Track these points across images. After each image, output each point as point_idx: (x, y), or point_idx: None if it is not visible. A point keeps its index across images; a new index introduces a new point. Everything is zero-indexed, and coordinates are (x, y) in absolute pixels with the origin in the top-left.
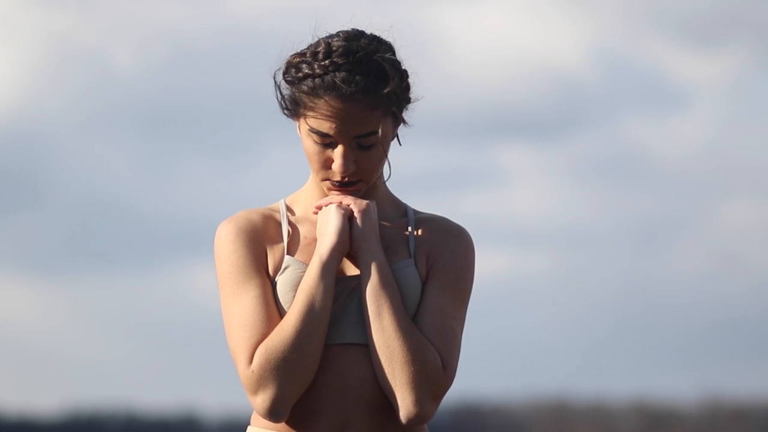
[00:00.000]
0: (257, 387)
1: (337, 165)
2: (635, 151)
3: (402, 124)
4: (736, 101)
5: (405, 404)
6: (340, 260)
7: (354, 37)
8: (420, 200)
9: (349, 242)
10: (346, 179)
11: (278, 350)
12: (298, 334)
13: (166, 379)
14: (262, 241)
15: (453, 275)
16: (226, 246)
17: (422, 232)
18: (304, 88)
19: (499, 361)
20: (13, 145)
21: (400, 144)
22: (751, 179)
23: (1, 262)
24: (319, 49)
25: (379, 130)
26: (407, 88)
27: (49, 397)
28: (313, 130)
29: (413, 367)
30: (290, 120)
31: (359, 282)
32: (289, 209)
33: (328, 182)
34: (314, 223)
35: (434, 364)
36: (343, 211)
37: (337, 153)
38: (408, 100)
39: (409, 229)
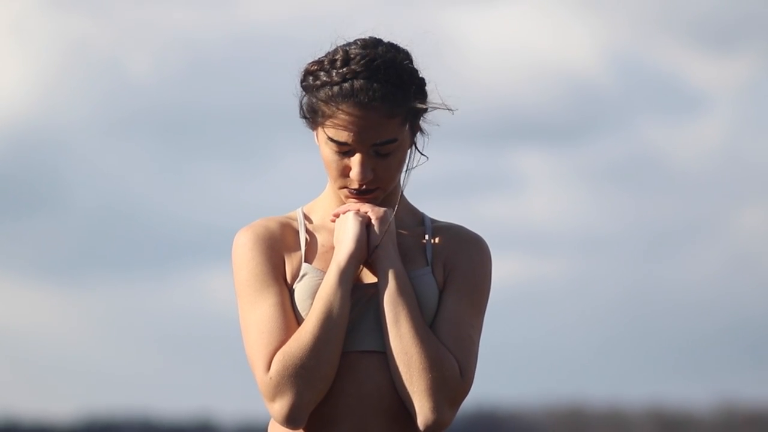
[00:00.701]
0: (275, 394)
1: (354, 173)
2: (649, 155)
3: (420, 133)
4: (751, 104)
5: (423, 411)
6: (358, 268)
7: (371, 45)
8: (435, 206)
9: (366, 250)
10: (364, 187)
11: (296, 357)
12: (316, 342)
13: (182, 385)
14: (280, 249)
15: (470, 283)
16: (244, 254)
17: (439, 240)
18: (322, 96)
19: (515, 366)
20: (29, 151)
21: (425, 156)
22: (764, 183)
23: (18, 269)
24: (336, 57)
25: (398, 138)
26: (425, 96)
27: (64, 403)
28: (331, 140)
29: (431, 374)
30: (307, 128)
31: (377, 290)
32: (306, 217)
33: (345, 190)
34: (332, 231)
35: (452, 371)
36: (360, 219)
37: (355, 161)
38: (425, 109)
39: (426, 237)
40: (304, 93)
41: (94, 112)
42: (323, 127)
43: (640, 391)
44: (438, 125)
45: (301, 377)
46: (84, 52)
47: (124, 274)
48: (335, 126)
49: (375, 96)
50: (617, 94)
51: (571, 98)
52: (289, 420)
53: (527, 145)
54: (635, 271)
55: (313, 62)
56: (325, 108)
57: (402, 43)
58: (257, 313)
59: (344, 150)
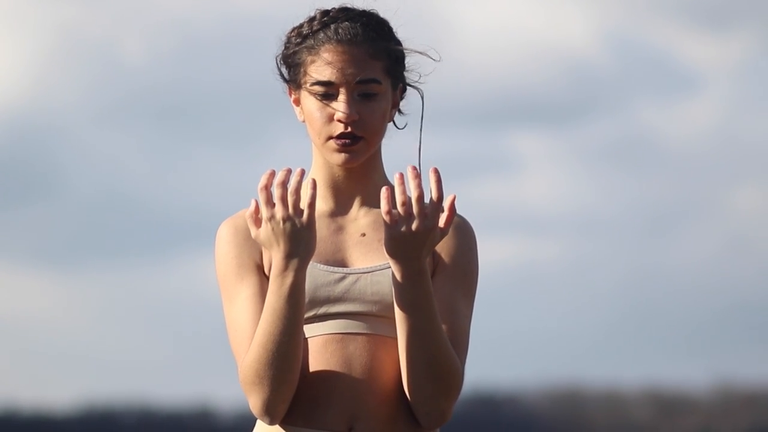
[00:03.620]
0: (246, 393)
1: (340, 109)
2: (645, 136)
3: (401, 99)
4: (746, 83)
5: (428, 415)
6: (303, 268)
7: (349, 5)
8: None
9: (312, 249)
10: (349, 129)
11: (252, 368)
12: (267, 354)
13: (180, 372)
14: None
15: (462, 270)
16: (220, 248)
17: None
18: (303, 48)
19: (511, 349)
20: (23, 138)
21: (397, 126)
22: (761, 162)
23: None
24: (314, 15)
25: (381, 82)
26: (403, 57)
27: (63, 391)
28: (314, 83)
29: (443, 383)
30: (291, 101)
31: (365, 273)
32: None
33: (331, 142)
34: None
35: (460, 378)
36: (308, 213)
37: (340, 100)
38: (404, 68)
39: None
40: (285, 59)
41: (87, 97)
42: (306, 77)
43: (638, 372)
44: (431, 105)
45: (261, 385)
46: (76, 36)
47: (122, 260)
48: (318, 68)
49: (357, 34)
50: (612, 75)
51: (566, 79)
52: (264, 416)
53: (523, 127)
54: (633, 253)
55: (291, 28)
56: (307, 57)
57: (396, 24)
58: (233, 309)
59: (328, 92)
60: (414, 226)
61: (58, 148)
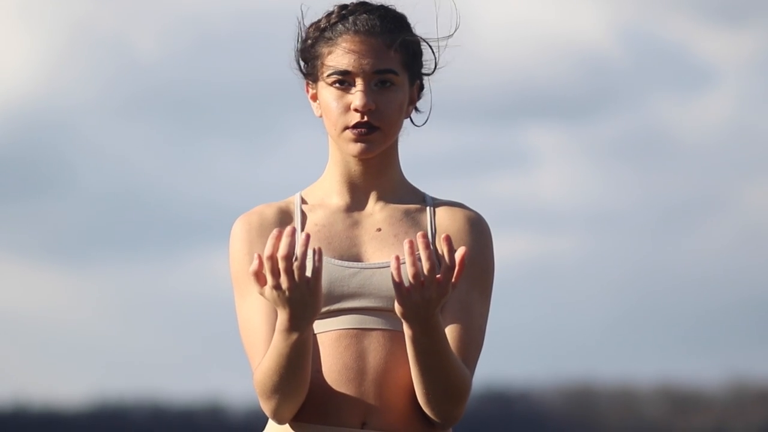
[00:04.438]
0: (259, 398)
1: (357, 99)
2: (659, 130)
3: (419, 98)
4: (760, 78)
5: (440, 418)
6: (310, 323)
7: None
8: (444, 183)
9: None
10: (366, 119)
11: (263, 383)
12: (277, 378)
13: (192, 369)
14: None
15: (479, 269)
16: (234, 245)
17: (442, 218)
18: (322, 39)
19: (523, 345)
20: (36, 133)
21: (414, 123)
22: None
23: (26, 251)
24: (332, 9)
25: (398, 73)
26: (421, 53)
27: (74, 386)
28: (331, 73)
29: (454, 400)
30: (308, 95)
31: (381, 268)
32: (303, 201)
33: (348, 132)
34: (326, 208)
35: (469, 388)
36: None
37: (357, 89)
38: (422, 65)
39: (428, 216)
40: (302, 53)
41: (100, 93)
42: (323, 68)
43: (651, 368)
44: (445, 99)
45: (273, 397)
46: (89, 31)
47: (133, 255)
48: (336, 57)
49: (375, 25)
50: (626, 69)
51: (581, 74)
52: (277, 421)
53: (537, 122)
54: (646, 248)
55: (310, 24)
56: (324, 48)
57: (414, 20)
58: (245, 308)
59: (346, 81)
60: (428, 295)
61: (70, 144)
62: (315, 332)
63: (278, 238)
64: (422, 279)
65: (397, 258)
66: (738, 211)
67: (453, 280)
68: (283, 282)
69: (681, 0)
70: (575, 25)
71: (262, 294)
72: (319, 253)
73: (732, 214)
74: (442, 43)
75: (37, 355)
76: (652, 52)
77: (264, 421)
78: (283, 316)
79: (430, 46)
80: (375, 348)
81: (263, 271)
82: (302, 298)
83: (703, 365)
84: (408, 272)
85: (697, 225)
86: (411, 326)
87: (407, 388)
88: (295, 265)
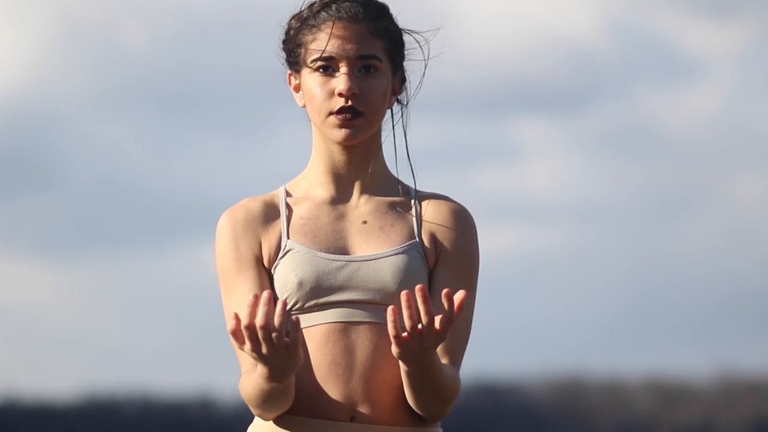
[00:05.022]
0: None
1: (341, 83)
2: (648, 124)
3: (401, 91)
4: (749, 72)
5: (429, 415)
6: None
7: None
8: (433, 176)
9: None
10: (350, 103)
11: (247, 399)
12: (261, 402)
13: (182, 362)
14: (257, 230)
15: (465, 262)
16: (219, 240)
17: (426, 211)
18: (306, 27)
19: (513, 339)
20: (22, 126)
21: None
22: (764, 150)
23: (14, 245)
24: (314, 0)
25: (381, 59)
26: (403, 44)
27: (64, 380)
28: (315, 59)
29: (446, 404)
30: (291, 86)
31: (367, 261)
32: (288, 194)
33: (332, 118)
34: (310, 201)
35: (458, 391)
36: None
37: (341, 74)
38: (403, 57)
39: (413, 208)
40: (286, 43)
41: (87, 84)
42: (307, 55)
43: (640, 362)
44: (433, 92)
45: (257, 410)
46: (75, 21)
47: (122, 248)
48: (319, 44)
49: (357, 12)
50: (614, 62)
51: (569, 66)
52: (263, 419)
53: (524, 115)
54: (635, 242)
55: (291, 16)
56: (308, 36)
57: (397, 11)
58: (231, 303)
59: (330, 66)
60: (426, 344)
61: (57, 136)
62: (302, 326)
63: (254, 305)
64: (420, 329)
65: (394, 310)
66: (726, 205)
67: (453, 320)
68: (262, 348)
69: None
70: (563, 18)
71: (241, 349)
72: (296, 324)
73: (720, 209)
74: (429, 35)
75: (27, 349)
76: (641, 45)
77: (253, 415)
78: (262, 369)
79: (414, 37)
80: (363, 342)
81: (241, 330)
82: (281, 360)
83: (692, 359)
84: (406, 324)
85: (686, 219)
86: (407, 366)
87: (395, 382)
88: (274, 335)
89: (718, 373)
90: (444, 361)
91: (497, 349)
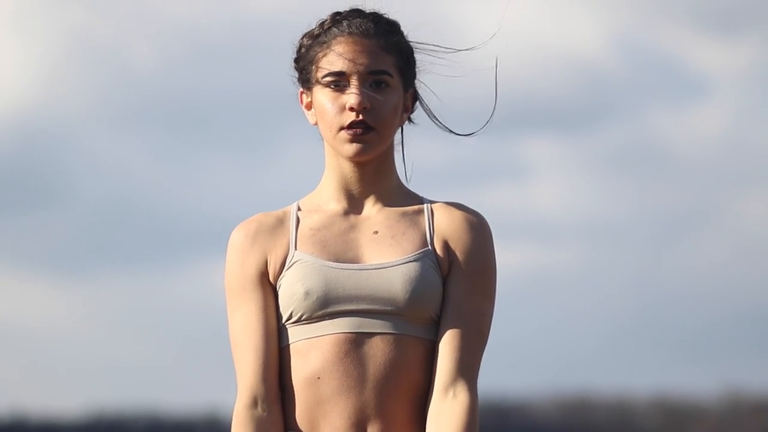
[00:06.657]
0: None
1: (352, 98)
2: (656, 142)
3: (413, 109)
4: (757, 90)
5: None
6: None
7: (360, 7)
8: (441, 194)
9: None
10: (361, 118)
11: None
12: None
13: (189, 380)
14: (265, 243)
15: (480, 269)
16: (229, 256)
17: (439, 218)
18: (317, 44)
19: (520, 357)
20: (32, 144)
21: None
22: None
23: (23, 263)
24: (325, 18)
25: (392, 75)
26: (414, 61)
27: (72, 398)
28: (326, 74)
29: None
30: (306, 112)
31: (378, 269)
32: (300, 209)
33: (344, 133)
34: (320, 213)
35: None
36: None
37: (352, 89)
38: (415, 74)
39: (426, 216)
40: (297, 61)
41: (97, 103)
42: (318, 72)
43: (647, 380)
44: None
45: None
46: (85, 41)
47: (130, 267)
48: (330, 59)
49: (368, 28)
50: (623, 81)
51: (577, 85)
52: None
53: (533, 133)
54: (642, 260)
55: (302, 35)
56: (319, 52)
57: (407, 29)
58: (234, 321)
59: (341, 81)
60: None
61: (67, 155)
62: (312, 336)
63: None
64: None
65: None
66: (733, 223)
67: None
68: None
69: (678, 12)
70: (572, 36)
71: None
72: None
73: (728, 227)
74: (440, 53)
75: (35, 367)
76: (649, 63)
77: None
78: None
79: (426, 49)
80: (375, 354)
81: None
82: None
83: (699, 377)
84: None
85: (693, 237)
86: None
87: (408, 395)
88: None
89: (725, 391)
90: (458, 376)
91: (504, 368)
